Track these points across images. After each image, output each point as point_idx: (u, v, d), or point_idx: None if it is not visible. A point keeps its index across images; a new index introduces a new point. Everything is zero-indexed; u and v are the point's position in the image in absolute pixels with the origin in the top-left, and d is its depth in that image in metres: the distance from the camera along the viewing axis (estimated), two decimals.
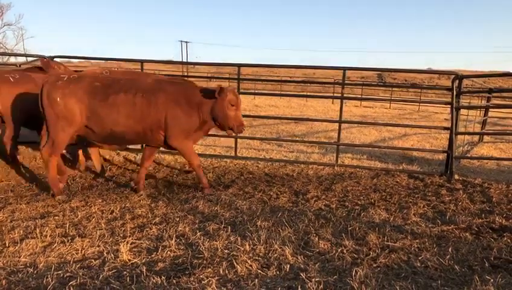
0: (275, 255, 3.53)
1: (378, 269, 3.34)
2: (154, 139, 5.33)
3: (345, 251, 3.65)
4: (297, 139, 8.02)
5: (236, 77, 8.53)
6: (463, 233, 4.21)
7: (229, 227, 4.15)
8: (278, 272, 3.23)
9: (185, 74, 29.83)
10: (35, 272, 3.16)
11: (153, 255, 3.49)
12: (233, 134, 5.63)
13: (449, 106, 6.96)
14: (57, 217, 4.37)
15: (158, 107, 5.11)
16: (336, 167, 7.20)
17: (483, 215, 4.83)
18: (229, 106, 5.26)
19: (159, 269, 3.24)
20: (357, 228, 4.22)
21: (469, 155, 9.03)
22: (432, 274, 3.27)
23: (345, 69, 7.42)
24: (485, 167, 7.97)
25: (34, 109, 5.89)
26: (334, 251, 3.64)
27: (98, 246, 3.65)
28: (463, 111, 9.40)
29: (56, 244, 3.65)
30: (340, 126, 7.66)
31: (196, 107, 5.26)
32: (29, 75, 6.46)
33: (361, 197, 5.49)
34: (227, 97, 5.23)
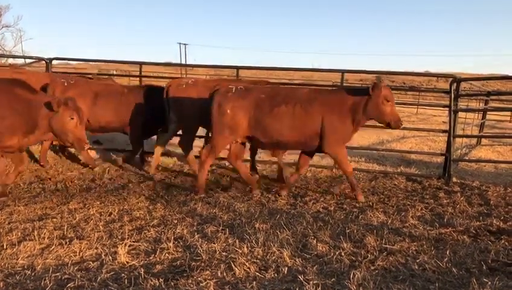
0: (273, 257, 3.53)
1: (376, 271, 3.34)
2: (312, 146, 5.46)
3: (343, 254, 3.65)
4: None
5: (234, 79, 8.54)
6: (461, 236, 4.21)
7: (227, 229, 4.15)
8: (276, 275, 3.23)
9: (184, 75, 29.81)
10: (33, 274, 3.15)
11: (151, 258, 3.48)
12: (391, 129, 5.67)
13: (447, 108, 6.97)
14: (55, 219, 4.37)
15: (314, 116, 5.22)
16: (334, 170, 7.20)
17: (481, 218, 4.83)
18: (384, 101, 5.24)
19: (157, 271, 3.24)
20: (355, 231, 4.22)
21: (467, 158, 9.05)
22: (429, 277, 3.27)
23: (343, 71, 7.43)
24: (483, 169, 7.99)
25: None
26: (332, 254, 3.64)
27: (96, 248, 3.64)
28: (461, 114, 9.39)
29: (54, 246, 3.64)
30: None
31: (349, 111, 5.29)
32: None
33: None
34: (381, 93, 5.21)
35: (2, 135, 4.82)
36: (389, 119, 5.34)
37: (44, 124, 4.94)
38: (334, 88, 5.85)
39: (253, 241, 3.85)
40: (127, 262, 3.38)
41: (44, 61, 7.96)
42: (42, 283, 2.99)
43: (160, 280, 3.06)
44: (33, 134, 5.00)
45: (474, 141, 11.79)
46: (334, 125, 5.26)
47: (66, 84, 6.41)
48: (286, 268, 3.32)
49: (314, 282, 3.06)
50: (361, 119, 5.38)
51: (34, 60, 10.41)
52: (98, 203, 5.00)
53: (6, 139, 4.88)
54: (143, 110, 6.56)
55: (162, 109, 6.48)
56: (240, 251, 3.62)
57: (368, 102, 5.25)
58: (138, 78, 8.99)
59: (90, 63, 19.44)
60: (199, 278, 3.10)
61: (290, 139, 5.39)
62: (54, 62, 8.09)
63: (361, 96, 5.29)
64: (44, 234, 3.90)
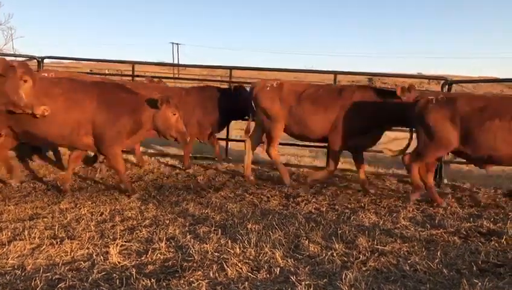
0: (265, 258, 3.53)
1: (368, 272, 3.35)
2: None
3: (334, 254, 3.66)
4: (288, 142, 8.04)
5: (228, 79, 8.53)
6: (451, 237, 4.24)
7: (220, 230, 4.15)
8: (268, 275, 3.23)
9: (176, 75, 29.75)
10: (23, 274, 3.12)
11: (142, 258, 3.47)
12: None
13: None
14: (45, 219, 4.33)
15: None
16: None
17: (471, 219, 4.87)
18: None
19: (148, 272, 3.23)
20: (347, 232, 4.23)
21: (458, 160, 9.10)
22: (420, 278, 3.29)
23: (335, 73, 7.47)
24: (474, 171, 8.03)
25: None
26: (324, 254, 3.65)
27: (88, 248, 3.62)
28: None
29: (45, 246, 3.61)
30: None
31: None
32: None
33: (351, 201, 5.52)
34: None
35: (118, 137, 5.16)
36: None
37: (148, 122, 5.24)
38: None
39: (246, 241, 3.84)
40: (119, 262, 3.36)
41: (36, 60, 7.90)
42: (33, 283, 2.95)
43: (152, 280, 3.04)
44: (137, 133, 5.33)
45: None
46: None
47: None
48: (278, 269, 3.32)
49: (306, 283, 3.07)
50: None
51: (25, 59, 10.32)
52: (90, 203, 4.96)
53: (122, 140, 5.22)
54: (203, 112, 6.73)
55: (221, 109, 6.69)
56: (232, 252, 3.62)
57: None
58: (131, 78, 8.95)
59: (82, 62, 19.34)
60: (191, 279, 3.09)
61: (505, 154, 4.98)
62: (46, 61, 8.03)
63: None
64: (35, 233, 3.86)
